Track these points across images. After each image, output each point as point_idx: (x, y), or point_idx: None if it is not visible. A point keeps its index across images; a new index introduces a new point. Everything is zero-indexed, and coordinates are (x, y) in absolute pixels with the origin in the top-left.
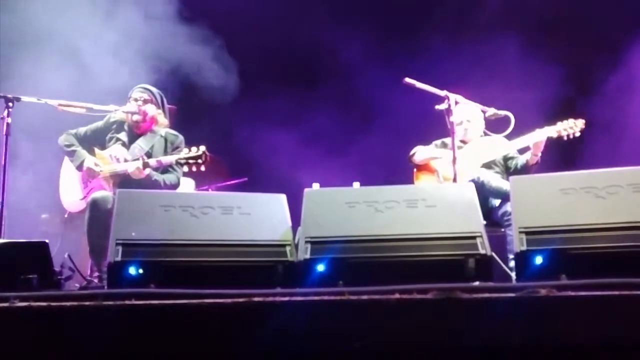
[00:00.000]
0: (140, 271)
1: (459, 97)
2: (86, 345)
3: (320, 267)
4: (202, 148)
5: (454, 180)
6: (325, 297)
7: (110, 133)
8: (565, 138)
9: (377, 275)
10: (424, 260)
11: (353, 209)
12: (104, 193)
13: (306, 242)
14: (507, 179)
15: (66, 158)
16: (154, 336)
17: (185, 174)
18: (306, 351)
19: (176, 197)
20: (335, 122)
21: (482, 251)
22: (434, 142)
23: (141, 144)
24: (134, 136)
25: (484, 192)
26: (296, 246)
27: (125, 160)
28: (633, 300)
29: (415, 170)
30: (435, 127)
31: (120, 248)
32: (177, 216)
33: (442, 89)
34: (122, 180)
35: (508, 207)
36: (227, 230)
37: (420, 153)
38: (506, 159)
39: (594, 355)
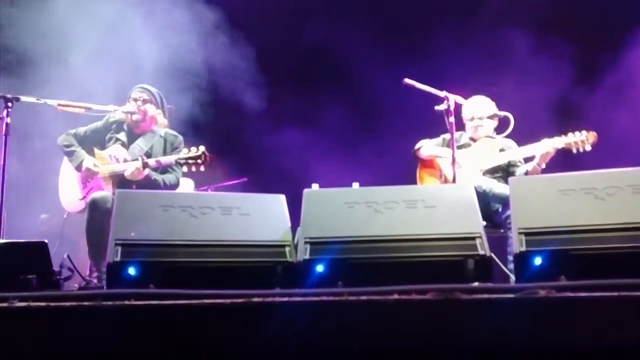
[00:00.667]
0: (140, 271)
1: (459, 98)
2: (85, 345)
3: (320, 268)
4: (202, 148)
5: (453, 180)
6: (325, 298)
7: (109, 133)
8: (575, 151)
9: (376, 275)
10: (423, 261)
11: (352, 210)
12: (103, 193)
13: (305, 242)
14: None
15: (65, 158)
16: (153, 336)
17: (184, 174)
18: (305, 352)
19: (175, 198)
20: (335, 122)
21: (481, 252)
22: (442, 136)
23: (140, 144)
24: (133, 136)
25: (486, 199)
26: (295, 247)
27: (125, 161)
28: (632, 301)
29: (419, 164)
30: (441, 125)
31: (119, 248)
32: (176, 216)
33: (442, 88)
34: (122, 181)
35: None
36: (226, 231)
37: (426, 148)
38: (510, 165)
39: (593, 356)
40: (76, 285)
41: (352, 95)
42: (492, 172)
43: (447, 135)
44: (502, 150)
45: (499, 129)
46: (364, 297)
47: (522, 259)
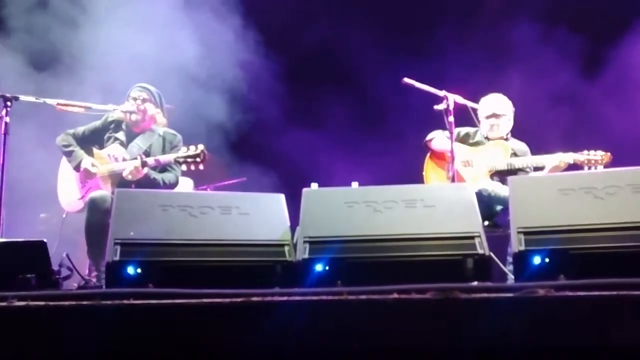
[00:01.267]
0: (139, 271)
1: (458, 97)
2: (84, 344)
3: (319, 267)
4: (201, 147)
5: (453, 180)
6: (324, 297)
7: (108, 133)
8: (586, 169)
9: (375, 275)
10: (423, 260)
11: (352, 209)
12: (102, 193)
13: (305, 242)
14: None
15: (64, 158)
16: (152, 336)
17: (184, 173)
18: (305, 351)
19: (175, 197)
20: (336, 121)
21: (480, 251)
22: (457, 130)
23: (139, 143)
24: (132, 135)
25: (490, 202)
26: (295, 246)
27: (124, 160)
28: (632, 300)
29: (428, 153)
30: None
31: (118, 248)
32: (175, 216)
33: (445, 87)
34: (121, 180)
35: None
36: (225, 230)
37: (438, 141)
38: (519, 170)
39: (592, 355)
40: (75, 285)
41: (353, 95)
42: (500, 174)
43: (462, 129)
44: (514, 154)
45: (515, 132)
46: (363, 297)
47: (522, 258)
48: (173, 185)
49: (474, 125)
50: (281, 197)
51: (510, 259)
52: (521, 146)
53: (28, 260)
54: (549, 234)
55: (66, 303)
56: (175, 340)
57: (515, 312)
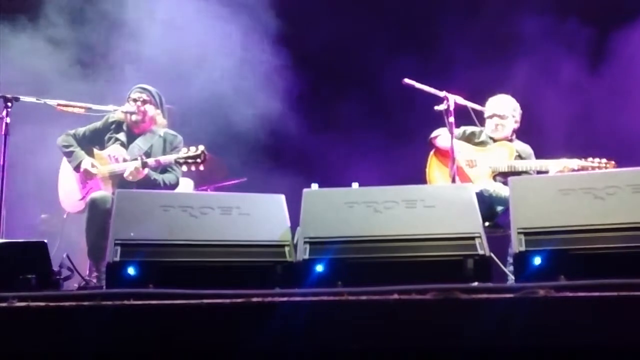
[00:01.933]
0: (139, 271)
1: (458, 98)
2: (84, 345)
3: (319, 268)
4: (201, 147)
5: (452, 180)
6: (324, 298)
7: (109, 133)
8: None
9: (376, 275)
10: (423, 261)
11: (352, 210)
12: (103, 193)
13: (305, 242)
14: None
15: (65, 158)
16: (152, 337)
17: (184, 174)
18: (305, 351)
19: (175, 197)
20: (336, 122)
21: (480, 252)
22: (463, 128)
23: (140, 144)
24: (132, 136)
25: (491, 202)
26: (295, 246)
27: (124, 160)
28: (632, 301)
29: (432, 151)
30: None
31: (118, 248)
32: (176, 216)
33: (448, 85)
34: (121, 180)
35: None
36: (226, 231)
37: (443, 139)
38: (522, 172)
39: (592, 355)
40: (76, 285)
41: (355, 94)
42: (502, 176)
43: (468, 128)
44: (518, 156)
45: (519, 134)
46: (363, 297)
47: (522, 259)
48: (174, 185)
49: (475, 126)
50: (281, 198)
51: (510, 260)
52: (525, 148)
53: (28, 260)
54: (549, 235)
55: (66, 304)
56: (176, 341)
57: (515, 312)
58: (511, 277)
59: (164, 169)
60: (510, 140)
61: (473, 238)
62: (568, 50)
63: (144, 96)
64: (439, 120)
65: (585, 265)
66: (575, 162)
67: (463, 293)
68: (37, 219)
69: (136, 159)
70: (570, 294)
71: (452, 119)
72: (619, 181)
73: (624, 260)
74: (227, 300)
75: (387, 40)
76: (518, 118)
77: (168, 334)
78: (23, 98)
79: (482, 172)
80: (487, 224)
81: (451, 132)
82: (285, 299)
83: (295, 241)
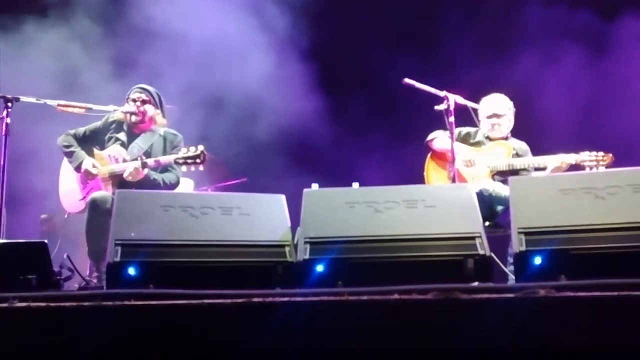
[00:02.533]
0: (140, 271)
1: (458, 98)
2: (85, 345)
3: (320, 268)
4: (201, 147)
5: (453, 180)
6: (325, 298)
7: (109, 133)
8: (588, 169)
9: (376, 275)
10: (423, 261)
11: (352, 210)
12: (103, 193)
13: (305, 242)
14: None
15: (65, 158)
16: (152, 337)
17: (184, 174)
18: (305, 351)
19: (176, 198)
20: (337, 122)
21: (481, 252)
22: (459, 129)
23: (140, 144)
24: (133, 136)
25: (491, 202)
26: (295, 247)
27: (124, 160)
28: (632, 301)
29: (429, 154)
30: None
31: (119, 248)
32: (176, 216)
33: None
34: (121, 180)
35: None
36: (226, 231)
37: (439, 141)
38: (520, 170)
39: (593, 356)
40: (76, 286)
41: (356, 93)
42: (501, 174)
43: (463, 129)
44: (515, 154)
45: (520, 131)
46: (364, 297)
47: (522, 259)
48: (174, 185)
49: (475, 125)
50: (282, 198)
51: (510, 259)
52: (522, 145)
53: (29, 261)
54: (549, 234)
55: (67, 304)
56: (176, 341)
57: (515, 312)
58: (511, 277)
59: (164, 168)
60: (506, 139)
61: (473, 238)
62: (570, 43)
63: (143, 96)
64: (439, 120)
65: (585, 265)
66: (573, 157)
67: (463, 293)
68: (38, 219)
69: (136, 159)
70: (571, 294)
71: (452, 119)
72: (620, 181)
73: (625, 260)
74: (228, 301)
75: (387, 40)
76: (512, 117)
77: (169, 334)
78: (23, 98)
79: (481, 171)
80: (487, 223)
81: (451, 132)
82: (285, 299)
83: (295, 241)
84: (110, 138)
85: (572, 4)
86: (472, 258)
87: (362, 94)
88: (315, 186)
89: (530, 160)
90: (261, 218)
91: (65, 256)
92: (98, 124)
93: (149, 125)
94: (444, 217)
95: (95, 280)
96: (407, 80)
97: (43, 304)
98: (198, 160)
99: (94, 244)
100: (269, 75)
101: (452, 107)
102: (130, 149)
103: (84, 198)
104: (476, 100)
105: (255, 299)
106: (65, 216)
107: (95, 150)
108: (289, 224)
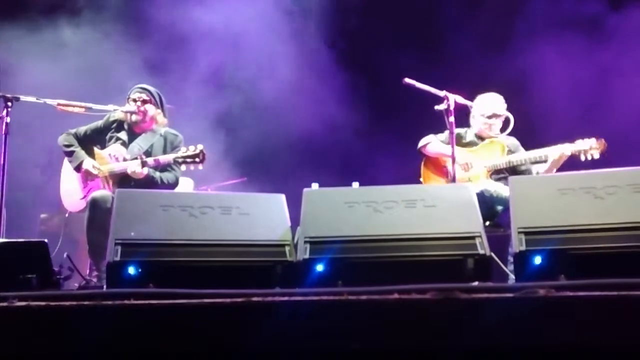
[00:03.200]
0: (140, 271)
1: (459, 97)
2: (85, 345)
3: (319, 267)
4: (200, 147)
5: (453, 180)
6: (324, 297)
7: (110, 132)
8: (583, 159)
9: (376, 275)
10: (423, 261)
11: (352, 209)
12: (104, 192)
13: (305, 242)
14: None
15: (66, 158)
16: (152, 336)
17: (184, 174)
18: (305, 351)
19: (175, 197)
20: (336, 121)
21: (481, 251)
22: (447, 132)
23: (140, 143)
24: (133, 135)
25: (492, 202)
26: (295, 246)
27: (125, 160)
28: (632, 300)
29: (423, 160)
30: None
31: (119, 248)
32: (176, 216)
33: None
34: (122, 180)
35: None
36: (226, 230)
37: (433, 146)
38: (518, 165)
39: (593, 356)
40: (76, 285)
41: (357, 93)
42: (499, 172)
43: (455, 131)
44: (509, 151)
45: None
46: (364, 297)
47: (522, 258)
48: (173, 185)
49: (469, 125)
50: (282, 197)
51: (510, 259)
52: (512, 141)
53: (29, 260)
54: (549, 234)
55: (67, 303)
56: (176, 341)
57: (515, 312)
58: (511, 277)
59: (163, 168)
60: (495, 136)
61: (473, 237)
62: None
63: (144, 96)
64: (439, 120)
65: (585, 265)
66: (568, 148)
67: (463, 293)
68: (38, 218)
69: (136, 158)
70: (571, 294)
71: (452, 119)
72: (619, 180)
73: (624, 260)
74: (228, 300)
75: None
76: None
77: (168, 334)
78: (23, 98)
79: (478, 172)
80: (487, 223)
81: (451, 132)
82: (285, 298)
83: (295, 241)
84: (111, 137)
85: None
86: (472, 258)
87: (363, 93)
88: (315, 186)
89: (527, 154)
90: (261, 217)
91: (65, 255)
92: (99, 123)
93: (150, 124)
94: (444, 217)
95: (95, 280)
96: (407, 80)
97: (43, 304)
98: (197, 160)
99: (94, 243)
100: (269, 75)
101: (452, 107)
102: (131, 148)
103: (84, 197)
104: (472, 98)
105: (255, 299)
106: (66, 215)
107: (96, 150)
108: (288, 223)
